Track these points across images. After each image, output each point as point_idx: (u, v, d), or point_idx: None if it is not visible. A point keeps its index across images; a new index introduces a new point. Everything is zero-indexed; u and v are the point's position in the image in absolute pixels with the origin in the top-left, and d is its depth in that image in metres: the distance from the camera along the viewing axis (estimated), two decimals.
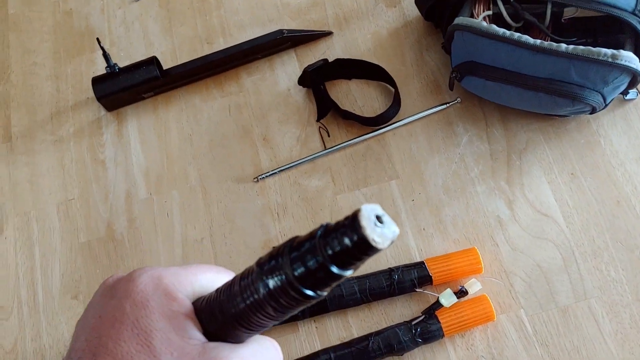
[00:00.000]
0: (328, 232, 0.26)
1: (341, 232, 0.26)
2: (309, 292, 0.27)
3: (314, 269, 0.27)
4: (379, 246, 0.25)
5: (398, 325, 0.66)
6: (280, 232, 0.75)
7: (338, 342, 0.68)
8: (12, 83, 0.90)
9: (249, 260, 0.73)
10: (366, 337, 0.66)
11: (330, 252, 0.26)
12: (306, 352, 0.68)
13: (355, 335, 0.68)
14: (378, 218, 0.26)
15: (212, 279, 0.33)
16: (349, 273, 0.27)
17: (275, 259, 0.28)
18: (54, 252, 0.78)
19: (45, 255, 0.78)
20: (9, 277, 0.77)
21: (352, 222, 0.25)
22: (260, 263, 0.29)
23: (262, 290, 0.28)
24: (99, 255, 0.77)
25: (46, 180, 0.82)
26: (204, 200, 0.78)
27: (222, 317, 0.30)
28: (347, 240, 0.26)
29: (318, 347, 0.69)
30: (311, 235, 0.27)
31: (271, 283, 0.28)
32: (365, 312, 0.70)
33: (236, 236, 0.76)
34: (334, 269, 0.26)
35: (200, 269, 0.33)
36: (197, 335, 0.30)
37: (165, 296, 0.30)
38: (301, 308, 0.29)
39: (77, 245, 0.78)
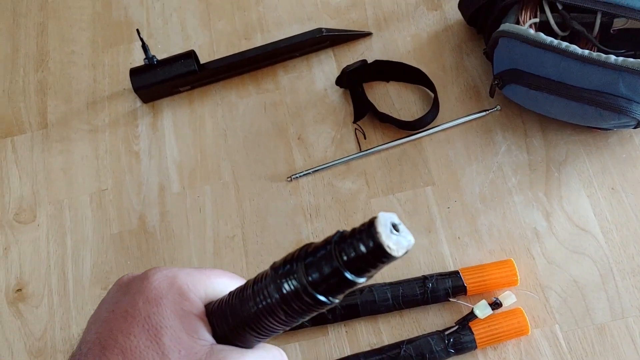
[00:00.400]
0: (344, 238, 0.27)
1: (357, 238, 0.26)
2: (322, 298, 0.28)
3: (328, 275, 0.27)
4: (394, 253, 0.25)
5: (431, 334, 0.65)
6: (312, 232, 0.75)
7: (368, 348, 0.67)
8: (50, 70, 0.90)
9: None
10: (398, 345, 0.65)
11: (345, 258, 0.26)
12: (335, 357, 0.68)
13: (386, 342, 0.68)
14: (394, 226, 0.26)
15: (226, 284, 0.34)
16: (362, 280, 0.27)
17: (290, 264, 0.28)
18: (85, 241, 0.78)
19: (77, 244, 0.78)
20: (40, 264, 0.78)
21: (369, 229, 0.26)
22: (274, 267, 0.29)
23: (275, 295, 0.28)
24: (130, 247, 0.77)
25: (80, 169, 0.82)
26: (236, 197, 0.78)
27: (233, 320, 0.30)
28: (362, 247, 0.26)
29: (347, 351, 0.68)
30: (327, 241, 0.27)
31: (285, 287, 0.28)
32: (396, 319, 0.69)
33: (268, 235, 0.75)
34: (348, 276, 0.27)
35: (214, 273, 0.34)
36: (207, 336, 0.30)
37: (178, 295, 0.31)
38: (313, 314, 0.29)
39: (109, 236, 0.78)
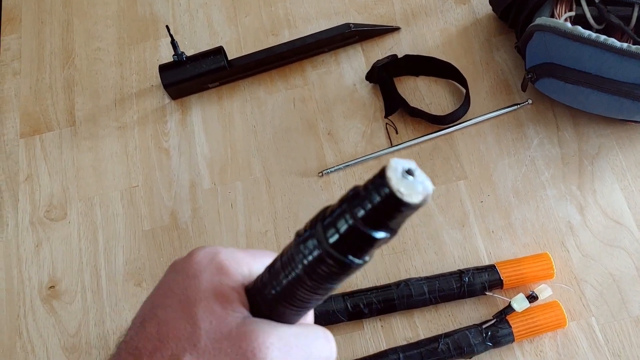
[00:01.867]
0: (357, 193, 0.25)
1: (369, 189, 0.25)
2: (346, 259, 0.26)
3: (346, 233, 0.26)
4: (407, 199, 0.24)
5: (468, 327, 0.66)
6: None
7: (404, 342, 0.68)
8: (77, 67, 0.90)
9: None
10: (435, 339, 0.65)
11: (361, 212, 0.25)
12: (371, 351, 0.68)
13: (422, 336, 0.68)
14: (408, 172, 0.24)
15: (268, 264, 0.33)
16: (383, 235, 0.26)
17: (309, 229, 0.27)
18: (117, 238, 0.78)
19: (109, 241, 0.78)
20: (72, 261, 0.78)
21: (379, 176, 0.24)
22: (297, 234, 0.28)
23: (299, 264, 0.28)
24: (163, 243, 0.77)
25: (110, 166, 0.83)
26: (267, 193, 0.78)
27: (268, 294, 0.30)
28: (376, 197, 0.24)
29: (384, 346, 0.68)
30: (341, 200, 0.26)
31: (308, 254, 0.27)
32: (432, 314, 0.69)
33: None
34: (367, 230, 0.25)
35: (260, 253, 0.34)
36: (241, 309, 0.30)
37: (217, 269, 0.31)
38: (343, 278, 0.28)
39: (141, 233, 0.78)
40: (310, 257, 0.27)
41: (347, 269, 0.27)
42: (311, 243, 0.27)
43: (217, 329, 0.29)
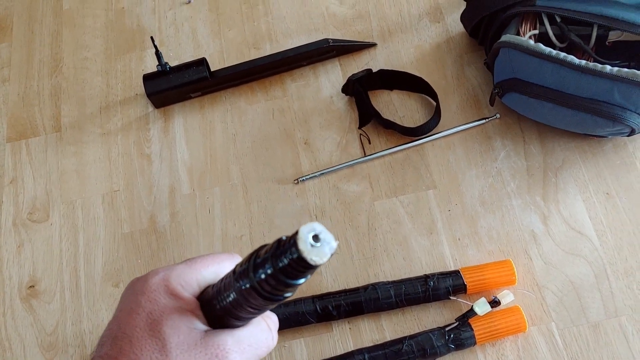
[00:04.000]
0: (278, 248, 0.31)
1: (286, 249, 0.30)
2: (271, 296, 0.32)
3: (269, 278, 0.31)
4: (316, 263, 0.29)
5: (432, 330, 0.68)
6: None
7: (371, 344, 0.70)
8: (64, 76, 0.93)
9: None
10: (400, 340, 0.68)
11: (280, 265, 0.30)
12: (339, 352, 0.70)
13: (388, 338, 0.70)
14: (315, 237, 0.29)
15: (215, 271, 0.39)
16: (300, 281, 0.31)
17: (243, 266, 0.33)
18: (97, 240, 0.81)
19: (89, 243, 0.81)
20: (53, 262, 0.80)
21: (293, 244, 0.29)
22: (234, 269, 0.34)
23: (237, 293, 0.34)
24: (141, 246, 0.79)
25: (92, 171, 0.85)
26: (244, 199, 0.81)
27: (218, 308, 0.36)
28: (290, 258, 0.30)
29: (351, 347, 0.70)
30: (268, 248, 0.32)
31: (242, 287, 0.33)
32: (398, 317, 0.71)
33: (275, 235, 0.78)
34: (287, 280, 0.31)
35: (203, 263, 0.39)
36: (199, 324, 0.36)
37: (173, 296, 0.37)
38: (273, 306, 0.35)
39: (120, 235, 0.80)
40: (242, 289, 0.33)
41: (271, 302, 0.33)
42: (243, 277, 0.33)
43: (185, 342, 0.35)
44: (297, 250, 0.29)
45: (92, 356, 0.36)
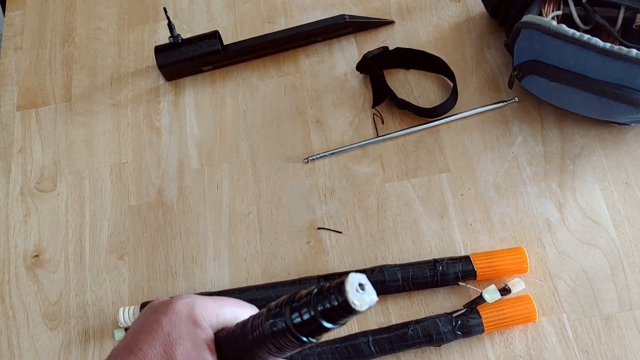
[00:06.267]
0: (321, 292, 0.33)
1: (330, 292, 0.32)
2: (303, 338, 0.34)
3: (307, 320, 0.33)
4: (358, 309, 0.31)
5: (438, 315, 0.66)
6: (327, 213, 0.76)
7: (376, 327, 0.68)
8: (76, 45, 0.92)
9: (292, 238, 0.74)
10: (405, 325, 0.66)
11: (320, 308, 0.32)
12: (343, 334, 0.69)
13: (394, 322, 0.69)
14: (361, 285, 0.31)
15: (235, 312, 0.41)
16: (336, 326, 0.33)
17: (280, 307, 0.35)
18: (103, 212, 0.80)
19: (95, 214, 0.80)
20: (59, 232, 0.79)
21: (339, 287, 0.31)
22: (269, 308, 0.36)
23: (266, 331, 0.35)
24: (148, 219, 0.78)
25: (101, 142, 0.84)
26: (253, 176, 0.79)
27: (236, 346, 0.37)
28: (334, 301, 0.32)
29: (355, 329, 0.69)
30: (308, 292, 0.34)
31: (275, 326, 0.35)
32: (405, 301, 0.70)
33: (282, 213, 0.76)
34: (323, 322, 0.33)
35: (227, 302, 0.41)
36: (211, 357, 0.38)
37: (193, 322, 0.38)
38: (298, 350, 0.36)
39: (127, 208, 0.80)
40: (275, 329, 0.35)
41: (302, 344, 0.35)
42: (279, 319, 0.35)
43: None
44: (344, 291, 0.31)
45: None
